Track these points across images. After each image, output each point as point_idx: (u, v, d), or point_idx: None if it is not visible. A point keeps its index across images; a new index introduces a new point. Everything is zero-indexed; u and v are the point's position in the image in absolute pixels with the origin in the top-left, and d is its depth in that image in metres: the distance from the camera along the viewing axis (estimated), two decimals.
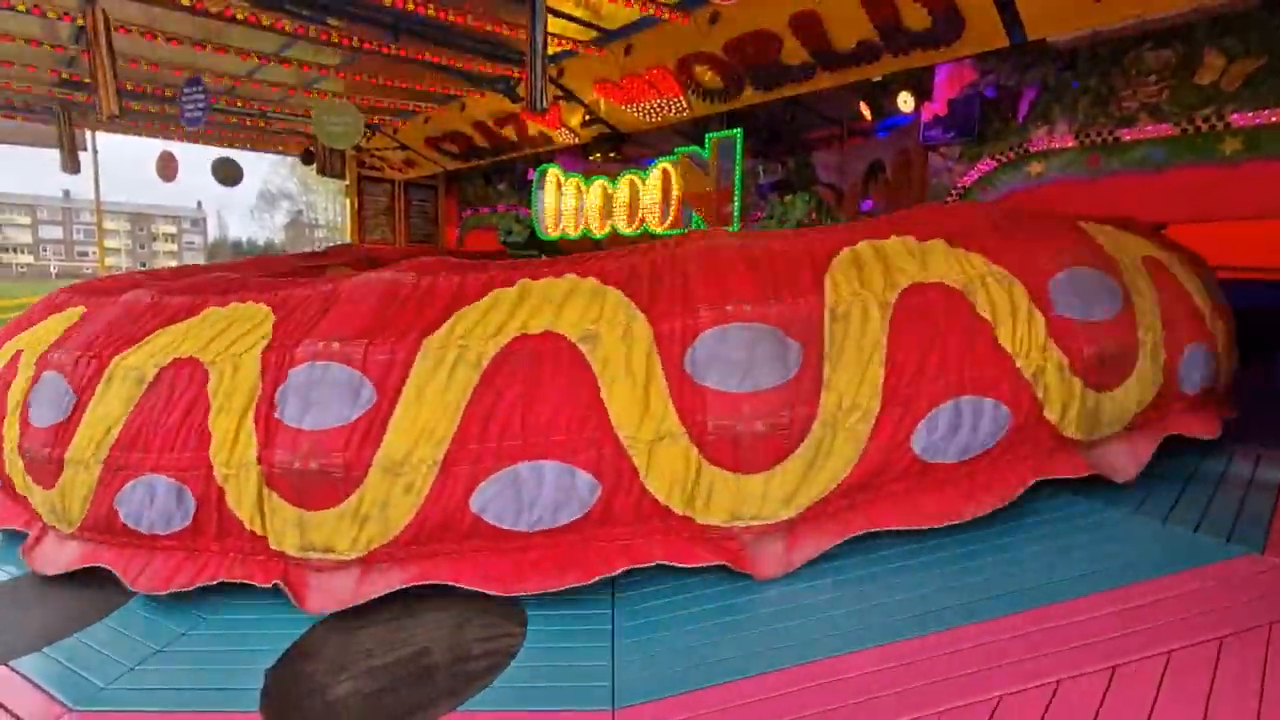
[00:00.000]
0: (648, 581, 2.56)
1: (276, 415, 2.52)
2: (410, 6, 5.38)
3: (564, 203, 9.05)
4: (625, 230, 8.37)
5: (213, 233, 66.69)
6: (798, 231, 3.26)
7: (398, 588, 2.48)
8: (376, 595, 2.47)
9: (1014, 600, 2.25)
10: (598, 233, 8.67)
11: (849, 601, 2.36)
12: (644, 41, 6.22)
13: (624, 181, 8.31)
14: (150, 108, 8.51)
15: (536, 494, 2.45)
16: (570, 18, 5.92)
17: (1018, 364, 2.71)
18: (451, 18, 5.62)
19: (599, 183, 8.60)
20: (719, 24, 5.67)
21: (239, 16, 5.56)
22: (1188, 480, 3.07)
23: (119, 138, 10.67)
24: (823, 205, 6.88)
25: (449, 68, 6.82)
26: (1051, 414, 2.76)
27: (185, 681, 2.18)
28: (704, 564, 2.50)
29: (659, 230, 7.91)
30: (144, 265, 58.25)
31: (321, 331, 2.63)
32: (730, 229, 6.94)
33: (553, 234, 9.24)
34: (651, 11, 5.47)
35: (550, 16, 5.00)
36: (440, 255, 3.86)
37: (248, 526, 2.56)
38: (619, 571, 2.46)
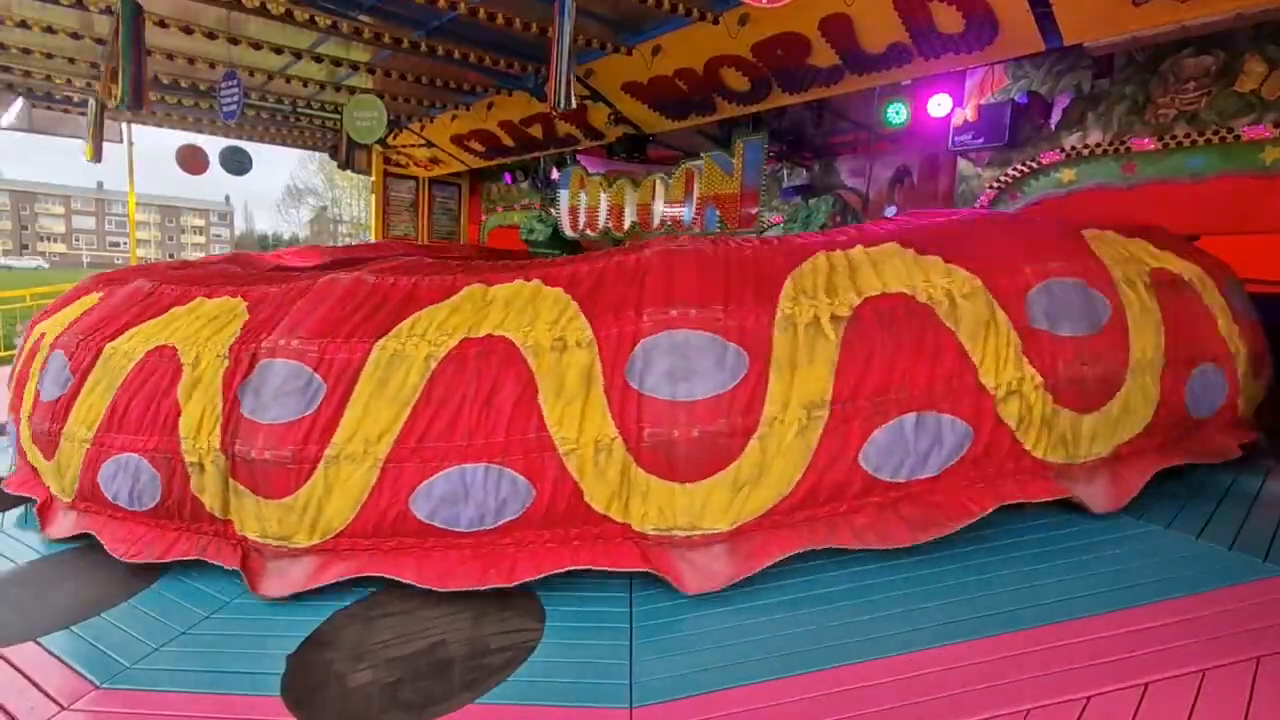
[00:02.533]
0: (665, 583, 2.55)
1: (240, 407, 2.63)
2: (441, 4, 5.42)
3: (586, 202, 9.06)
4: (646, 231, 8.36)
5: (239, 226, 67.78)
6: (775, 238, 3.26)
7: (340, 579, 2.54)
8: (329, 582, 2.54)
9: (1042, 614, 2.20)
10: (618, 232, 8.67)
11: (871, 609, 2.33)
12: (672, 43, 6.21)
13: (647, 182, 8.30)
14: (184, 101, 8.67)
15: (475, 495, 2.49)
16: (598, 17, 5.93)
17: (983, 379, 2.57)
18: (482, 15, 5.66)
19: (622, 183, 8.60)
20: (748, 26, 5.64)
21: (274, 11, 5.64)
22: (1222, 497, 2.99)
23: (152, 130, 10.87)
24: (847, 209, 6.82)
25: (478, 65, 6.86)
26: (1020, 434, 2.61)
27: (209, 663, 2.21)
28: (631, 569, 2.47)
29: (681, 232, 7.89)
30: (172, 256, 59.36)
31: (283, 328, 2.73)
32: (751, 232, 6.91)
33: (574, 233, 9.25)
34: (681, 12, 5.46)
35: (579, 17, 5.00)
36: (467, 251, 3.92)
37: (211, 509, 2.69)
38: (543, 576, 2.46)
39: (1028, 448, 2.65)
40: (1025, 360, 2.61)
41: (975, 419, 2.58)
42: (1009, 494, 2.62)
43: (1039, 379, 2.62)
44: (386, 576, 2.53)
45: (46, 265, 52.69)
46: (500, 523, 2.52)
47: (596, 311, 2.61)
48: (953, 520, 2.53)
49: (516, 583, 2.44)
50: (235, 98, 6.52)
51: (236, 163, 10.55)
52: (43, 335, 3.43)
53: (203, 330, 2.91)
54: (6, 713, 1.96)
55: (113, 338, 3.06)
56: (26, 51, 6.98)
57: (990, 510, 2.56)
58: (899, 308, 2.62)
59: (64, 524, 3.05)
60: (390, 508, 2.52)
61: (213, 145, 10.45)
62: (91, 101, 8.03)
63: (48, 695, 2.04)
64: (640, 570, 2.48)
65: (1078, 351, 2.67)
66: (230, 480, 2.62)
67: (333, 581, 2.54)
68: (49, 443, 3.06)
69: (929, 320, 2.62)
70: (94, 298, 3.57)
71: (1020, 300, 2.69)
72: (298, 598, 2.54)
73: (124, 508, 2.87)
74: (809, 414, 2.47)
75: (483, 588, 2.45)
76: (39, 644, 2.31)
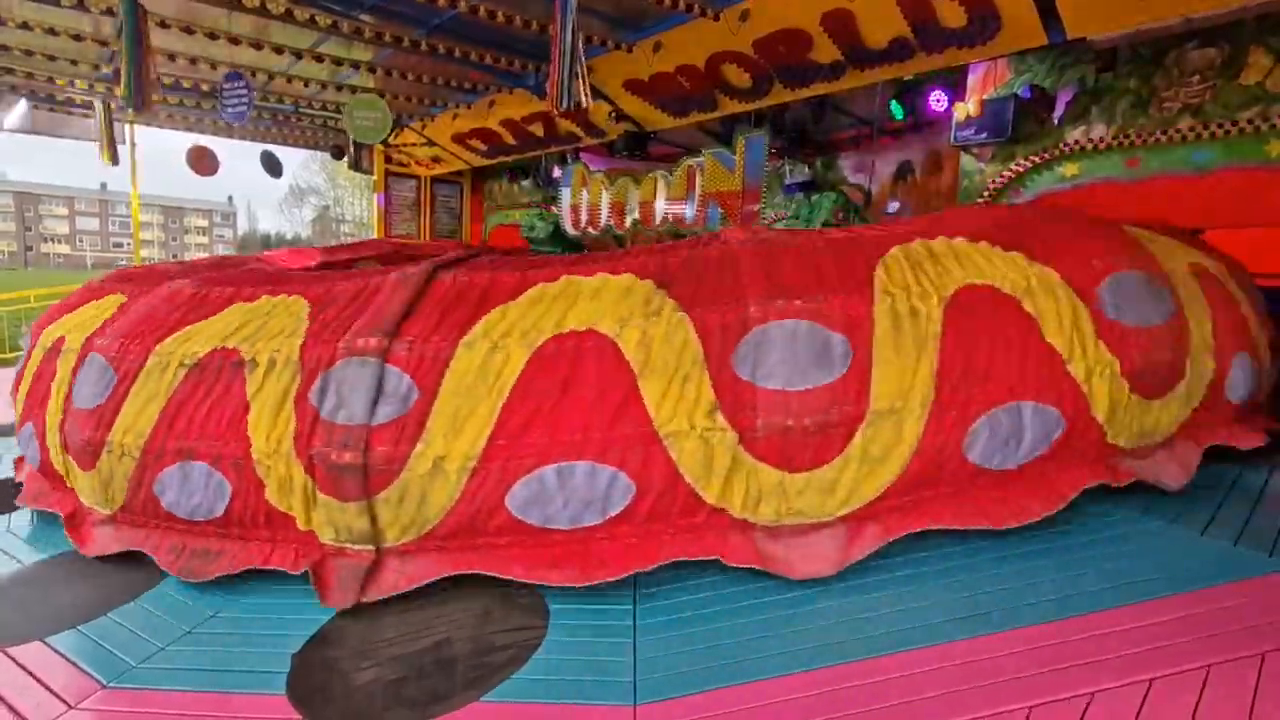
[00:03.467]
0: (669, 579, 2.55)
1: (315, 408, 2.55)
2: (442, 2, 5.42)
3: (588, 200, 9.06)
4: (648, 229, 8.35)
5: (243, 226, 67.93)
6: (846, 230, 3.24)
7: (429, 579, 2.50)
8: (407, 588, 2.49)
9: (1045, 610, 2.20)
10: (620, 230, 8.67)
11: (874, 606, 2.33)
12: (673, 39, 6.19)
13: (649, 180, 8.29)
14: (186, 101, 8.69)
15: (571, 492, 2.45)
16: (599, 14, 5.92)
17: (1070, 369, 2.66)
18: (483, 13, 5.65)
19: (624, 181, 8.59)
20: (749, 21, 5.62)
21: (275, 10, 5.65)
22: (1227, 492, 2.98)
23: (153, 131, 10.89)
24: (850, 205, 6.80)
25: (479, 63, 6.86)
26: (1101, 420, 2.70)
27: (214, 662, 2.22)
28: (744, 563, 2.47)
29: (683, 229, 7.88)
30: (175, 257, 59.53)
31: (359, 327, 2.65)
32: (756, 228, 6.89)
33: (576, 231, 9.25)
34: (682, 9, 5.45)
35: (579, 14, 4.99)
36: (466, 249, 3.90)
37: (285, 513, 2.60)
38: (652, 567, 2.45)
39: (1107, 433, 2.74)
40: (1104, 349, 2.70)
41: (1064, 406, 2.66)
42: (1096, 477, 2.73)
43: (1116, 367, 2.71)
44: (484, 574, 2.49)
45: None
46: (605, 518, 2.49)
47: (696, 303, 2.61)
48: (1046, 505, 2.63)
49: (623, 575, 2.43)
50: (244, 99, 6.51)
51: (272, 165, 10.62)
52: (62, 338, 3.28)
53: (264, 330, 2.80)
54: (14, 711, 1.97)
55: (161, 340, 2.91)
56: (29, 53, 7.00)
57: (1078, 494, 2.67)
58: (988, 298, 2.71)
59: (101, 538, 2.90)
60: (487, 507, 2.47)
61: (224, 147, 10.49)
62: (98, 104, 8.06)
63: (54, 694, 2.05)
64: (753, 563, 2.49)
65: (1150, 341, 2.78)
66: (306, 481, 2.54)
67: (415, 586, 2.49)
68: (87, 452, 2.87)
69: (1016, 311, 2.70)
70: (116, 299, 3.43)
71: (1093, 293, 2.80)
72: (301, 596, 2.54)
73: (183, 518, 2.73)
74: (913, 402, 2.52)
75: (579, 585, 2.42)
76: (45, 643, 2.32)
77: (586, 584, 2.41)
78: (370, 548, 2.53)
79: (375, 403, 2.50)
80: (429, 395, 2.50)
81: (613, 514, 2.48)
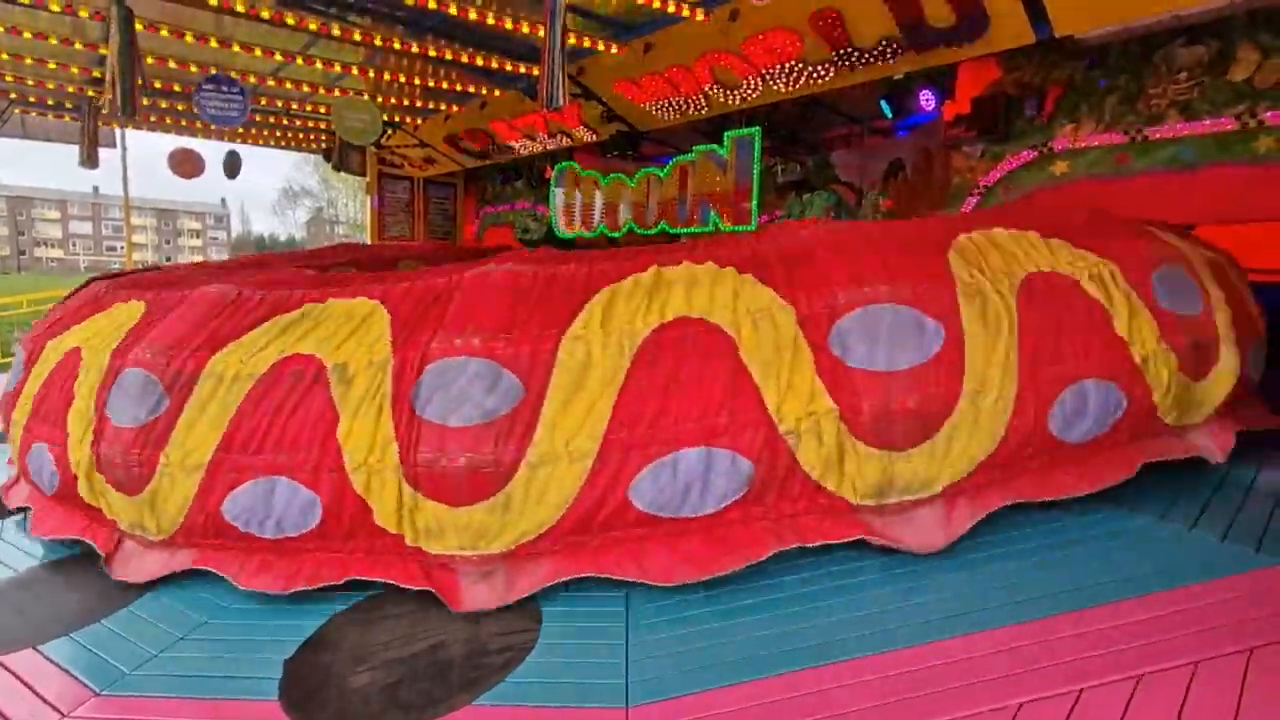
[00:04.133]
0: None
1: (417, 413, 2.46)
2: (432, 5, 5.41)
3: (581, 200, 9.06)
4: (642, 229, 8.36)
5: (236, 228, 67.69)
6: (905, 221, 3.31)
7: (549, 583, 2.46)
8: (527, 593, 2.45)
9: (1034, 607, 2.21)
10: (613, 231, 8.67)
11: (863, 605, 2.34)
12: (664, 40, 6.20)
13: (641, 180, 8.30)
14: (176, 105, 8.65)
15: (691, 480, 2.46)
16: (590, 15, 5.92)
17: (1132, 351, 2.81)
18: (473, 15, 5.65)
19: (616, 180, 8.60)
20: (739, 22, 5.64)
21: (265, 15, 5.63)
22: (1215, 488, 3.00)
23: (146, 134, 10.86)
24: (842, 204, 6.82)
25: (470, 65, 6.86)
26: (1158, 400, 2.86)
27: (207, 669, 2.21)
28: (855, 538, 2.54)
29: (676, 229, 7.89)
30: (169, 259, 59.29)
31: (453, 327, 2.57)
32: (748, 228, 6.91)
33: (569, 232, 9.25)
34: (672, 9, 5.46)
35: (570, 14, 5.00)
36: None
37: (382, 525, 2.51)
38: (771, 553, 2.47)
39: (1160, 412, 2.91)
40: (1159, 335, 2.87)
41: (1128, 387, 2.82)
42: (1155, 452, 2.91)
43: (1169, 350, 2.87)
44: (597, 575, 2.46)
45: None
46: (724, 505, 2.50)
47: (793, 288, 2.66)
48: (1117, 475, 2.80)
49: (745, 565, 2.44)
50: (235, 103, 6.47)
51: (232, 166, 10.57)
52: (77, 350, 3.05)
53: (339, 334, 2.68)
54: (7, 719, 1.97)
55: (216, 350, 2.72)
56: (17, 57, 6.96)
57: (1139, 467, 2.84)
58: (1055, 284, 2.84)
59: (150, 563, 2.72)
60: (608, 501, 2.44)
61: (209, 149, 10.46)
62: (84, 107, 8.02)
63: (47, 702, 2.05)
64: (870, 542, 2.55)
65: (1193, 328, 2.98)
66: (407, 490, 2.45)
67: (536, 590, 2.46)
68: (135, 473, 2.65)
69: (1082, 296, 2.85)
70: (136, 307, 3.18)
71: (1148, 283, 2.97)
72: (295, 601, 2.54)
73: (266, 537, 2.59)
74: (1002, 381, 2.63)
75: (706, 576, 2.42)
76: (38, 651, 2.31)
77: (709, 576, 2.43)
78: (488, 552, 2.47)
79: (483, 404, 2.43)
80: (538, 392, 2.45)
81: (731, 501, 2.50)
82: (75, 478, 2.87)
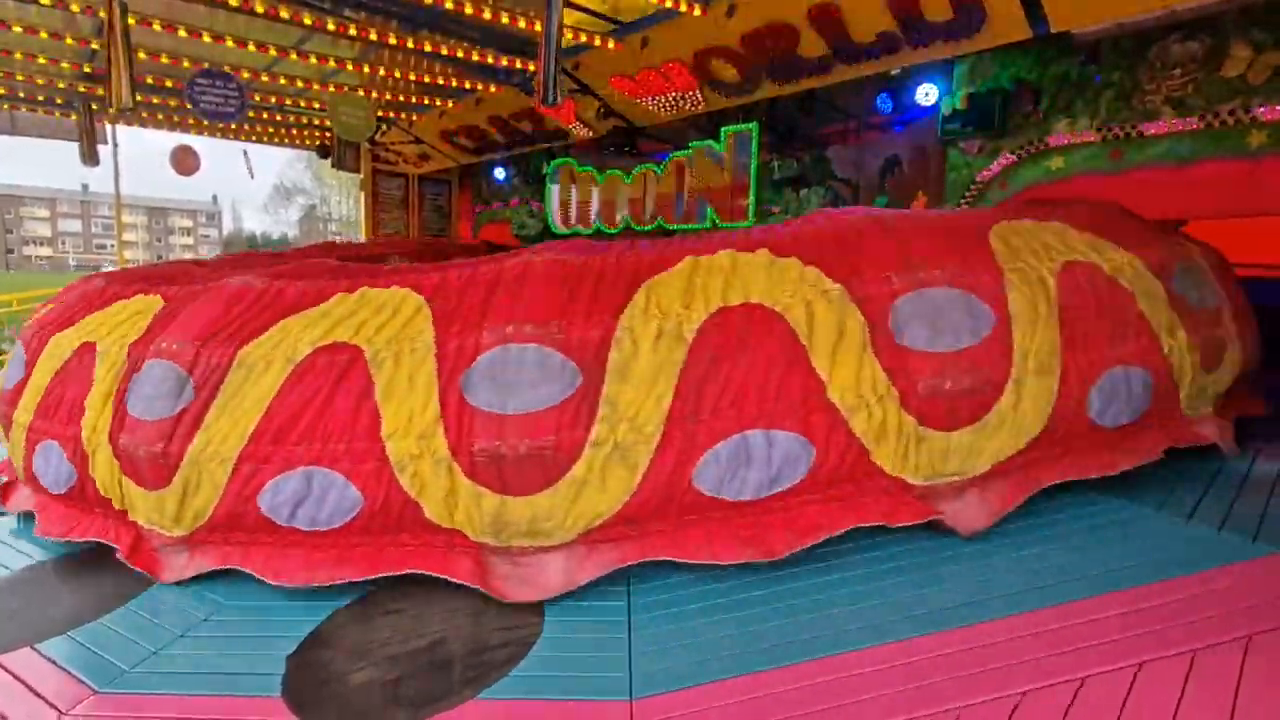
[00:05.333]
0: (662, 574, 2.56)
1: (469, 401, 2.43)
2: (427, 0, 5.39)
3: (577, 196, 9.04)
4: (639, 225, 8.35)
5: (228, 226, 67.27)
6: (942, 211, 3.40)
7: (615, 568, 2.46)
8: (591, 579, 2.44)
9: (1034, 598, 2.22)
10: (610, 227, 8.66)
11: (865, 597, 2.35)
12: (660, 35, 6.18)
13: (637, 175, 8.29)
14: (170, 101, 8.58)
15: (757, 461, 2.47)
16: (586, 10, 5.90)
17: (1161, 341, 2.90)
18: (468, 10, 5.62)
19: (612, 176, 8.58)
20: (736, 17, 5.63)
21: (259, 9, 5.59)
22: (1211, 479, 3.02)
23: (135, 131, 10.78)
24: (839, 199, 6.83)
25: (465, 60, 6.82)
26: (1180, 389, 2.98)
27: (208, 665, 2.20)
28: (913, 522, 2.58)
29: (673, 225, 7.88)
30: (161, 258, 58.88)
31: (501, 314, 2.54)
32: (745, 224, 6.90)
33: (565, 228, 9.23)
34: (669, 4, 5.44)
35: (566, 9, 4.98)
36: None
37: (430, 517, 2.48)
38: (841, 531, 2.51)
39: (1180, 400, 3.03)
40: (1181, 328, 2.98)
41: (1157, 375, 2.91)
42: (1179, 438, 3.03)
43: (1190, 344, 3.00)
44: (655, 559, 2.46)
45: None
46: (787, 486, 2.51)
47: (848, 274, 2.69)
48: (1147, 455, 2.91)
49: (806, 545, 2.46)
50: (232, 99, 6.42)
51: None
52: (91, 345, 2.99)
53: (375, 323, 2.62)
54: (5, 719, 1.96)
55: (246, 341, 2.67)
56: (8, 53, 6.89)
57: (1164, 450, 2.95)
58: (1092, 274, 2.92)
59: (181, 562, 2.68)
60: (673, 485, 2.44)
61: (207, 146, 10.38)
62: (81, 104, 7.94)
63: (46, 701, 2.03)
64: (914, 523, 2.59)
65: (1208, 323, 3.10)
66: (461, 479, 2.41)
67: (601, 574, 2.45)
68: (159, 467, 2.60)
69: (1116, 286, 2.93)
70: (152, 301, 3.11)
71: (1170, 279, 3.09)
72: (295, 598, 2.53)
73: (303, 529, 2.53)
74: (1043, 365, 2.69)
75: (771, 558, 2.44)
76: (36, 649, 2.30)
77: (774, 559, 2.44)
78: (542, 542, 2.45)
79: (542, 390, 2.40)
80: (595, 378, 2.43)
81: (793, 483, 2.52)
82: (91, 475, 2.83)
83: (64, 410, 2.94)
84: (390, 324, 2.63)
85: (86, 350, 3.00)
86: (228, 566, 2.62)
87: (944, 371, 2.57)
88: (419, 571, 2.50)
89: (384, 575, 2.51)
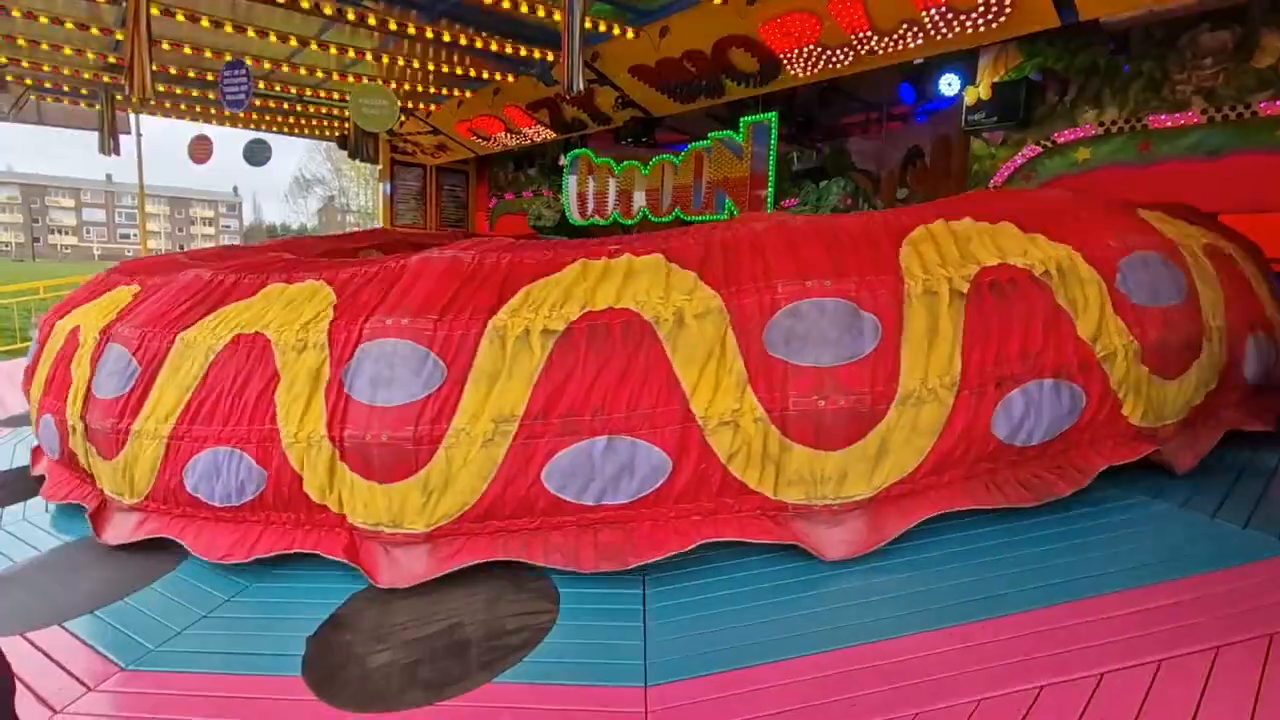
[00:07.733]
0: (678, 563, 2.57)
1: (346, 391, 2.54)
2: None
3: (595, 187, 9.04)
4: (656, 216, 8.33)
5: (248, 217, 68.00)
6: (866, 214, 3.23)
7: (468, 564, 2.50)
8: (446, 571, 2.49)
9: (1054, 592, 2.20)
10: (627, 218, 8.65)
11: (884, 588, 2.34)
12: (680, 23, 6.15)
13: (655, 167, 8.26)
14: (192, 91, 8.68)
15: (606, 468, 2.46)
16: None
17: (1092, 346, 2.66)
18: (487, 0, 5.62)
19: (630, 167, 8.57)
20: (756, 5, 5.57)
21: (280, 0, 5.63)
22: (1238, 475, 2.97)
23: (158, 121, 10.92)
24: (859, 192, 6.76)
25: (484, 50, 6.83)
26: (1122, 400, 2.73)
27: (231, 646, 2.25)
28: (775, 541, 2.49)
29: (691, 216, 7.85)
30: (182, 247, 59.67)
31: (387, 308, 2.63)
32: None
33: (582, 219, 9.24)
34: None
35: None
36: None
37: (315, 499, 2.60)
38: (691, 547, 2.46)
39: (1125, 412, 2.76)
40: (1125, 329, 2.72)
41: (1086, 384, 2.68)
42: (1116, 456, 2.73)
43: (1136, 347, 2.72)
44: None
45: None
46: (641, 495, 2.49)
47: (723, 283, 2.59)
48: (1070, 483, 2.65)
49: (650, 560, 2.44)
50: (243, 86, 6.52)
51: (254, 154, 10.59)
52: (78, 329, 3.29)
53: (288, 315, 2.79)
54: (34, 694, 2.01)
55: (183, 328, 2.91)
56: (35, 43, 7.00)
57: (1098, 473, 2.69)
58: (1012, 278, 2.68)
59: (125, 527, 2.92)
60: (522, 485, 2.47)
61: (224, 136, 10.49)
62: (101, 94, 8.06)
63: (74, 677, 2.09)
64: (786, 543, 2.50)
65: (1166, 321, 2.80)
66: (338, 465, 2.55)
67: (456, 568, 2.51)
68: (111, 440, 2.87)
69: (1040, 290, 2.69)
70: (130, 289, 3.42)
71: (1114, 273, 2.80)
72: (314, 580, 2.57)
73: (215, 504, 2.73)
74: (942, 383, 2.51)
75: (619, 568, 2.43)
76: (64, 627, 2.36)
77: (622, 568, 2.42)
78: (404, 531, 2.52)
79: (407, 385, 2.47)
80: (459, 374, 2.48)
81: (647, 493, 2.48)
82: (71, 445, 3.13)
83: (57, 387, 3.25)
84: (304, 316, 2.76)
85: (75, 334, 3.31)
86: (160, 535, 2.82)
87: (820, 388, 2.43)
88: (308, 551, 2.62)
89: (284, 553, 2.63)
